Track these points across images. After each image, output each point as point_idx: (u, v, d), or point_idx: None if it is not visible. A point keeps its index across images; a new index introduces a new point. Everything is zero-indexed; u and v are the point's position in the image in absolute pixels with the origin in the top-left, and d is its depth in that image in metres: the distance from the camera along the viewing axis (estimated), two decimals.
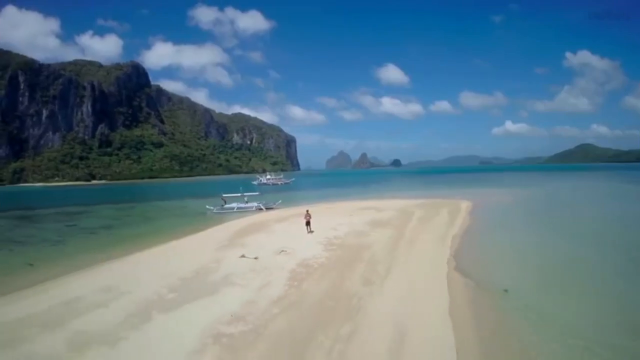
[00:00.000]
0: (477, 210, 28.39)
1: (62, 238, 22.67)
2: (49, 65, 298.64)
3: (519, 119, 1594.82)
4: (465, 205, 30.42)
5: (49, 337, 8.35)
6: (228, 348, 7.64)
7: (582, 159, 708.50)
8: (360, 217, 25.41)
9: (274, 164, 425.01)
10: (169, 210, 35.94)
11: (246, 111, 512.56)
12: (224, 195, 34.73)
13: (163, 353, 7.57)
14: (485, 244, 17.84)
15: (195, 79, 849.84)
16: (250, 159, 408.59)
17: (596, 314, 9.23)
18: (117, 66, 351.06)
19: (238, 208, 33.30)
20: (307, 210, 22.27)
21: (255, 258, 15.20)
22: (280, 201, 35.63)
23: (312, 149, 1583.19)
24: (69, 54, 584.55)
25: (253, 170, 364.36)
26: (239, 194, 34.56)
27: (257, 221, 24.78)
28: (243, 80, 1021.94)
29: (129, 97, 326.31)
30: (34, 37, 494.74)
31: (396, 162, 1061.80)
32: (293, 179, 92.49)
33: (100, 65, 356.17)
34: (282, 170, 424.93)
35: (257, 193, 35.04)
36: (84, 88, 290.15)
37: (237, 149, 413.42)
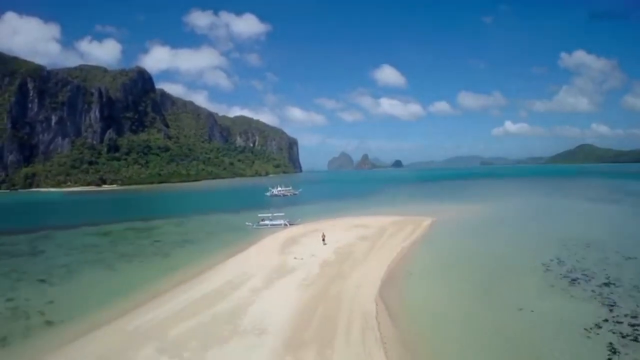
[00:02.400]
0: (433, 226, 40.96)
1: (165, 251, 34.04)
2: (57, 72, 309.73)
3: (519, 118, 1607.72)
4: (426, 222, 42.59)
5: (223, 302, 20.77)
6: (305, 287, 20.37)
7: (583, 159, 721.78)
8: (352, 233, 37.83)
9: (277, 166, 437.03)
10: (217, 225, 48.14)
11: (246, 113, 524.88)
12: (260, 215, 47.91)
13: (284, 293, 20.27)
14: (417, 251, 30.47)
15: (194, 82, 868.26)
16: (253, 162, 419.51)
17: (457, 289, 21.64)
18: (123, 72, 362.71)
19: (271, 224, 45.40)
20: (323, 233, 35.30)
21: (302, 259, 27.91)
22: (299, 220, 48.49)
23: (313, 150, 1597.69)
24: (70, 59, 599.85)
25: (256, 173, 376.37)
26: (270, 214, 47.66)
27: (289, 236, 37.47)
28: (241, 83, 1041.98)
29: (135, 102, 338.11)
30: (36, 42, 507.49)
31: (397, 163, 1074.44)
32: (300, 189, 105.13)
33: (105, 70, 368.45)
34: (284, 172, 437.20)
35: (282, 214, 47.91)
36: (92, 94, 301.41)
37: (240, 152, 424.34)
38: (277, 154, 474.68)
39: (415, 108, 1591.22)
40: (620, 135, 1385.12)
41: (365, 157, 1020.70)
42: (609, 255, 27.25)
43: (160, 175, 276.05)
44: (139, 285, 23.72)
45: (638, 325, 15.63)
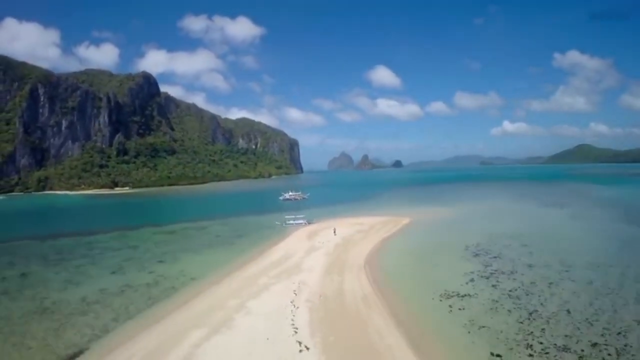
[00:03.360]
0: (408, 225, 59.25)
1: (229, 242, 51.80)
2: (66, 77, 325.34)
3: (517, 118, 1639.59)
4: (404, 222, 60.73)
5: (286, 263, 38.69)
6: (328, 255, 38.31)
7: (581, 159, 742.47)
8: (352, 228, 56.01)
9: (279, 167, 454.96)
10: (254, 225, 65.74)
11: (244, 114, 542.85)
12: (286, 216, 66.57)
13: (317, 258, 38.05)
14: (391, 239, 48.62)
15: (192, 85, 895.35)
16: (256, 164, 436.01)
17: (405, 257, 39.48)
18: (129, 76, 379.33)
19: (295, 223, 63.74)
20: (334, 228, 53.76)
21: (322, 243, 45.99)
22: (315, 220, 66.64)
23: (313, 150, 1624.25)
24: (70, 63, 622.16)
25: (260, 175, 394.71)
26: (293, 216, 66.07)
27: (310, 231, 55.51)
28: (239, 85, 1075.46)
29: (142, 106, 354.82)
30: (36, 47, 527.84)
31: (397, 164, 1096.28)
32: (308, 194, 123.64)
33: (110, 75, 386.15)
34: (286, 173, 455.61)
35: (302, 216, 66.37)
36: (100, 99, 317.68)
37: (243, 154, 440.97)
38: (278, 155, 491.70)
39: (412, 108, 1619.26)
40: (619, 134, 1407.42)
41: (365, 157, 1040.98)
42: (513, 243, 45.26)
43: (169, 177, 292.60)
44: (228, 260, 41.75)
45: (495, 273, 33.55)
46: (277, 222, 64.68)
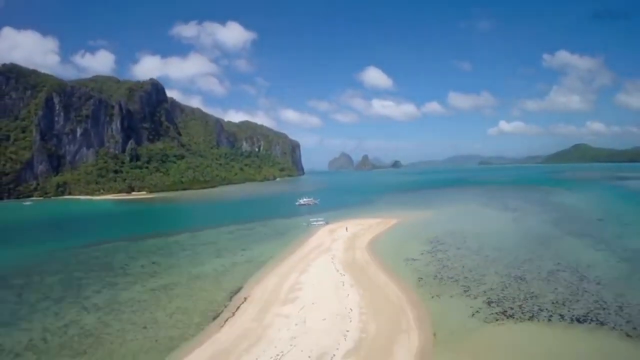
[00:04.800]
0: (396, 224, 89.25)
1: (275, 237, 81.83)
2: (79, 87, 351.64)
3: (513, 117, 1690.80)
4: (393, 222, 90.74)
5: (320, 248, 67.74)
6: (344, 242, 67.99)
7: (578, 158, 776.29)
8: (357, 227, 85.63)
9: (282, 170, 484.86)
10: (285, 225, 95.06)
11: (241, 116, 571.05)
12: (310, 219, 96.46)
13: (338, 245, 67.55)
14: (384, 233, 78.84)
15: (188, 88, 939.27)
16: (259, 166, 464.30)
17: (392, 243, 68.88)
18: (138, 84, 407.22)
19: (317, 223, 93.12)
20: (347, 226, 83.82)
21: (340, 236, 75.88)
22: (330, 221, 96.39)
23: (312, 150, 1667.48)
24: (69, 71, 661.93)
25: (265, 178, 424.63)
26: (315, 218, 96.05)
27: (330, 229, 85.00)
28: (233, 88, 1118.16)
29: (151, 112, 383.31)
30: (35, 55, 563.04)
31: (396, 164, 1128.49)
32: (319, 199, 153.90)
33: (117, 81, 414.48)
34: (289, 175, 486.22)
35: (322, 218, 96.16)
36: (112, 107, 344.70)
37: (247, 156, 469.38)
38: (281, 157, 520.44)
39: (409, 108, 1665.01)
40: (617, 133, 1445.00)
41: (365, 157, 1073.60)
42: (457, 236, 74.93)
43: (182, 182, 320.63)
44: (285, 247, 71.28)
45: (435, 251, 63.32)
46: (304, 223, 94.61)
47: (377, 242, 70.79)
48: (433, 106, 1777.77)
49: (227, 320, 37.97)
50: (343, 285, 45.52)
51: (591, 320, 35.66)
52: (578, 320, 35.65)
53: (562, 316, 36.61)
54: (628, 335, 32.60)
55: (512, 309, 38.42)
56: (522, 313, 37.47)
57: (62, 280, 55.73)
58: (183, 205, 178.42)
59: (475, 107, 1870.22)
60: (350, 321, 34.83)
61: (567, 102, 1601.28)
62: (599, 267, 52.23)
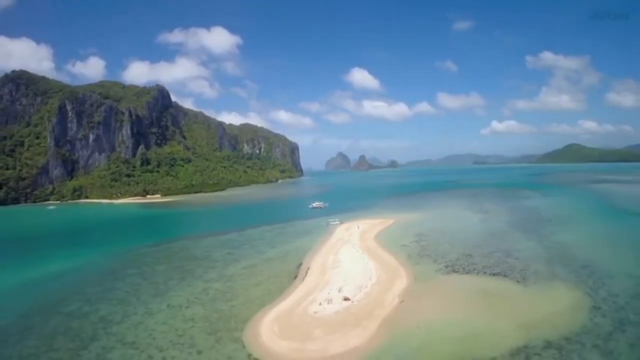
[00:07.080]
0: (393, 223, 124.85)
1: (305, 234, 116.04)
2: (90, 94, 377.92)
3: (505, 117, 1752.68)
4: (391, 221, 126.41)
5: (342, 240, 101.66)
6: (358, 235, 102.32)
7: (570, 158, 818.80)
8: (364, 225, 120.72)
9: (283, 171, 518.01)
10: (309, 225, 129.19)
11: (233, 117, 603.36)
12: (329, 219, 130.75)
13: (354, 236, 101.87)
14: (384, 230, 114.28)
15: (179, 91, 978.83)
16: (261, 168, 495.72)
17: (391, 235, 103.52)
18: (144, 90, 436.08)
19: (333, 223, 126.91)
20: (357, 225, 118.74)
21: (353, 232, 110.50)
22: (343, 220, 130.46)
23: (308, 150, 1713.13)
24: (64, 78, 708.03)
25: (268, 180, 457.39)
26: (332, 218, 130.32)
27: (344, 227, 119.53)
28: (224, 90, 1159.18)
29: (158, 118, 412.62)
30: (30, 62, 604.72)
31: (393, 163, 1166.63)
32: (328, 203, 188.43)
33: (123, 86, 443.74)
34: (290, 177, 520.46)
35: (337, 219, 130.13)
36: (122, 113, 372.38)
37: (248, 159, 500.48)
38: (281, 159, 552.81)
39: (400, 109, 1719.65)
40: (610, 131, 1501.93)
41: (362, 157, 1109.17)
42: (436, 231, 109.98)
43: (193, 185, 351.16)
44: (315, 241, 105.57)
45: (419, 240, 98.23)
46: (323, 224, 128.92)
47: (381, 235, 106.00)
48: (424, 106, 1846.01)
49: (303, 278, 71.95)
50: (363, 259, 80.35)
51: (501, 275, 70.64)
52: (493, 274, 70.66)
53: (485, 272, 71.59)
54: (517, 282, 67.24)
55: (458, 269, 73.49)
56: (464, 271, 72.65)
57: (170, 268, 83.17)
58: (210, 209, 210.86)
59: (465, 107, 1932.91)
60: (371, 274, 69.41)
61: (558, 101, 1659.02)
62: (523, 251, 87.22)
